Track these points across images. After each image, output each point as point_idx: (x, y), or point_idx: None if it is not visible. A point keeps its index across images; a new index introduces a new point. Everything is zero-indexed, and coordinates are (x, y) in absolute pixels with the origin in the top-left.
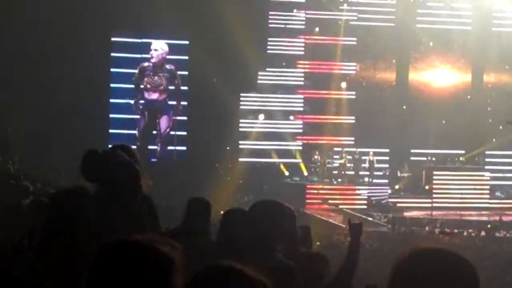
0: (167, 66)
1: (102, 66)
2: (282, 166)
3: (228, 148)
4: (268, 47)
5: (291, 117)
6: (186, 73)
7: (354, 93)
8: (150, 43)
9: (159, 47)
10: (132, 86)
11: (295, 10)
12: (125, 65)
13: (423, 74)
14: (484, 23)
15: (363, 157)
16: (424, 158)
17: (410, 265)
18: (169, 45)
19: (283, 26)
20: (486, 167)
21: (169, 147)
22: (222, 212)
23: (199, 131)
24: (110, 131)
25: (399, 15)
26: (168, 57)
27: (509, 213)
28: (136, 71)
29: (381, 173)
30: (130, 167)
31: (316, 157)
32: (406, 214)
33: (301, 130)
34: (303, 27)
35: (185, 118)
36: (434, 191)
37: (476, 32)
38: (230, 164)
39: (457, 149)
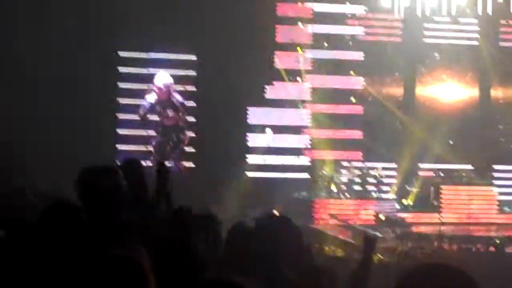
0: (174, 100)
1: (109, 81)
2: (289, 181)
3: (235, 163)
4: (275, 61)
5: (299, 132)
6: (194, 88)
7: (361, 107)
8: (155, 60)
9: (162, 81)
10: (140, 101)
11: (299, 23)
12: (133, 80)
13: (430, 88)
14: (492, 38)
15: (371, 172)
16: (432, 173)
17: (414, 281)
18: (176, 60)
19: (290, 40)
20: (494, 182)
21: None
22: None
23: (207, 147)
24: (118, 147)
25: (406, 29)
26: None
27: None
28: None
29: (389, 188)
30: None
31: (323, 172)
32: (414, 229)
33: (308, 145)
34: (310, 42)
35: (193, 134)
36: (442, 206)
37: (484, 47)
38: (237, 179)
39: (465, 164)
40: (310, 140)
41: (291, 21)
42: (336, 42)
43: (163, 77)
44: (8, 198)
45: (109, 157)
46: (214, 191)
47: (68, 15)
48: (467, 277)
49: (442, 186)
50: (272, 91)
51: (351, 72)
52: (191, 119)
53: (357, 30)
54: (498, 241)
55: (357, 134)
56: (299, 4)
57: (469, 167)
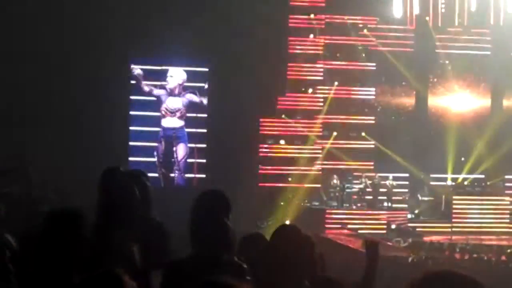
0: (186, 93)
1: (122, 94)
2: (301, 191)
3: (247, 173)
4: (288, 72)
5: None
6: (206, 100)
7: (373, 118)
8: (167, 70)
9: (175, 73)
10: (151, 113)
11: (311, 36)
12: (144, 93)
13: (442, 98)
14: (503, 48)
15: (382, 182)
16: (444, 183)
17: None
18: (189, 72)
19: (302, 51)
20: (507, 191)
21: (187, 175)
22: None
23: (219, 158)
24: (130, 158)
25: (418, 40)
26: (186, 84)
27: None
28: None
29: (400, 197)
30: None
31: (335, 181)
32: (425, 238)
33: (320, 155)
34: (322, 52)
35: (204, 145)
36: (454, 215)
37: (495, 57)
38: (249, 190)
39: (477, 174)
40: (322, 150)
41: (304, 32)
42: (348, 53)
43: (176, 70)
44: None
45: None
46: None
47: (85, 28)
48: (479, 286)
49: (453, 196)
50: (284, 102)
51: (364, 83)
52: (202, 129)
53: (370, 41)
54: (509, 250)
55: (368, 144)
56: (312, 15)
57: (481, 176)
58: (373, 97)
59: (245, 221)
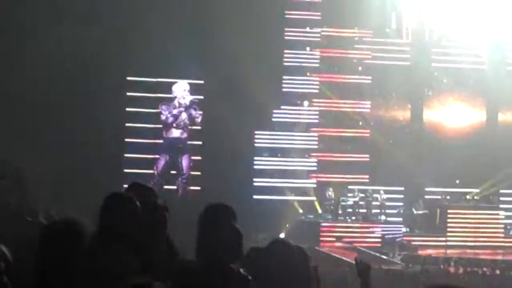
0: (191, 105)
1: (118, 106)
2: (296, 204)
3: (242, 186)
4: (283, 85)
5: (306, 155)
6: (201, 112)
7: (368, 130)
8: (165, 83)
9: (180, 85)
10: (148, 125)
11: (308, 48)
12: (141, 105)
13: (437, 112)
14: (499, 62)
15: (377, 195)
16: (439, 197)
17: None
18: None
19: (298, 64)
20: (501, 206)
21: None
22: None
23: (214, 170)
24: (126, 170)
25: (413, 53)
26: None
27: None
28: (152, 110)
29: (395, 211)
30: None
31: (330, 194)
32: (420, 252)
33: (315, 168)
34: (317, 65)
35: (199, 157)
36: (449, 229)
37: (491, 71)
38: (244, 203)
39: (472, 188)
40: (317, 163)
41: (300, 45)
42: (344, 66)
43: (181, 82)
44: (21, 218)
45: (117, 180)
46: None
47: (79, 42)
48: None
49: (448, 210)
50: (279, 115)
51: (359, 96)
52: (197, 142)
53: (365, 54)
54: (504, 265)
55: (363, 157)
56: (307, 28)
57: (476, 190)
58: (369, 110)
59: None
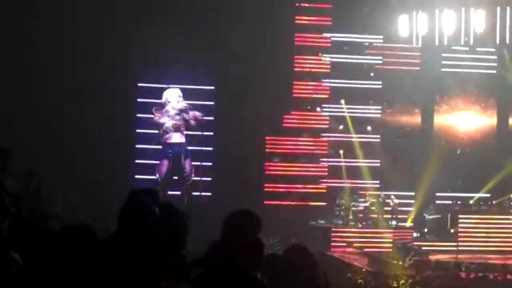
0: (186, 110)
1: (129, 112)
2: (307, 209)
3: (253, 191)
4: (294, 90)
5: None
6: (212, 118)
7: (379, 136)
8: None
9: (173, 91)
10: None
11: (320, 54)
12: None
13: (448, 117)
14: (509, 67)
15: (387, 200)
16: (450, 202)
17: None
18: (195, 90)
19: (308, 70)
20: None
21: (194, 193)
22: None
23: (224, 176)
24: (136, 176)
25: (424, 59)
26: (193, 102)
27: None
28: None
29: (406, 216)
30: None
31: (341, 200)
32: (431, 257)
33: (326, 173)
34: (328, 71)
35: (210, 163)
36: (460, 234)
37: (501, 76)
38: (255, 208)
39: (483, 193)
40: (328, 169)
41: (310, 51)
42: (354, 71)
43: (172, 89)
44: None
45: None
46: None
47: (90, 47)
48: None
49: (459, 215)
50: (290, 120)
51: (370, 101)
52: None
53: (375, 59)
54: None
55: (374, 162)
56: (317, 34)
57: (487, 195)
58: (379, 115)
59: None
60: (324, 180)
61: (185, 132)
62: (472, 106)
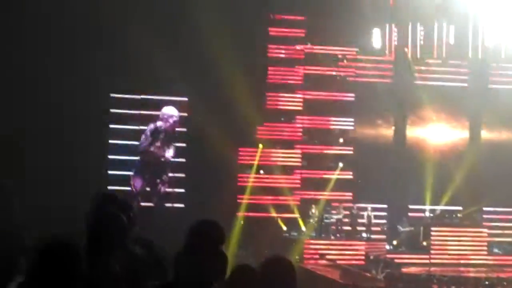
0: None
1: (101, 123)
2: (280, 221)
3: (226, 202)
4: (267, 102)
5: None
6: (185, 129)
7: (351, 148)
8: (149, 100)
9: (172, 112)
10: (130, 142)
11: (292, 65)
12: (124, 121)
13: (421, 130)
14: (481, 80)
15: (361, 212)
16: (422, 214)
17: None
18: (168, 101)
19: (281, 81)
20: (484, 223)
21: (167, 204)
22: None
23: (197, 188)
24: (109, 187)
25: (397, 71)
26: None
27: (507, 269)
28: (135, 127)
29: (379, 228)
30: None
31: (313, 211)
32: (403, 270)
33: (298, 185)
34: (301, 82)
35: (183, 175)
36: (432, 247)
37: (473, 89)
38: (228, 219)
39: (455, 206)
40: (300, 180)
41: (283, 62)
42: (327, 83)
43: (171, 109)
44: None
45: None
46: None
47: (64, 56)
48: None
49: (432, 227)
50: (263, 132)
51: (343, 113)
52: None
53: (349, 71)
54: (487, 282)
55: (346, 175)
56: (291, 46)
57: (459, 208)
58: (352, 127)
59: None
60: (297, 192)
61: (158, 144)
62: (444, 119)
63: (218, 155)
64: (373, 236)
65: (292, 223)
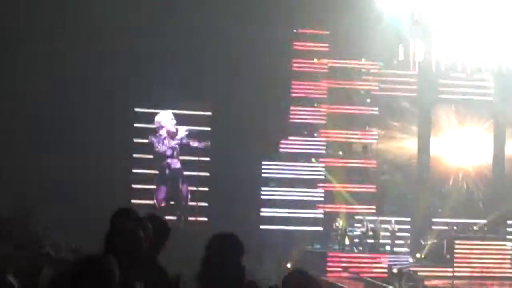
0: (182, 136)
1: (126, 136)
2: (303, 234)
3: (249, 216)
4: (290, 115)
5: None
6: (209, 143)
7: (375, 161)
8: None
9: (165, 114)
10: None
11: (315, 79)
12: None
13: (445, 143)
14: (507, 92)
15: (384, 226)
16: (446, 227)
17: None
18: (192, 116)
19: (305, 95)
20: (508, 237)
21: (190, 218)
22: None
23: (221, 201)
24: (132, 201)
25: (421, 85)
26: (190, 127)
27: None
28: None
29: (402, 241)
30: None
31: (337, 225)
32: (426, 283)
33: (322, 198)
34: (325, 96)
35: (206, 189)
36: (456, 260)
37: (498, 101)
38: (251, 233)
39: (479, 219)
40: (324, 193)
41: (307, 76)
42: (351, 96)
43: (164, 113)
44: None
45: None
46: None
47: (86, 73)
48: None
49: (456, 240)
50: (287, 145)
51: (366, 127)
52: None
53: (372, 85)
54: None
55: (370, 188)
56: (315, 59)
57: (483, 221)
58: (375, 140)
59: (247, 265)
60: (321, 205)
61: (180, 158)
62: (470, 133)
63: (241, 169)
64: (396, 249)
65: (315, 236)
